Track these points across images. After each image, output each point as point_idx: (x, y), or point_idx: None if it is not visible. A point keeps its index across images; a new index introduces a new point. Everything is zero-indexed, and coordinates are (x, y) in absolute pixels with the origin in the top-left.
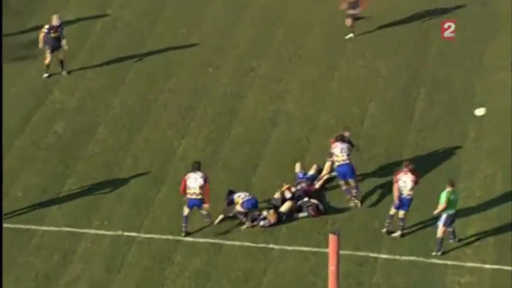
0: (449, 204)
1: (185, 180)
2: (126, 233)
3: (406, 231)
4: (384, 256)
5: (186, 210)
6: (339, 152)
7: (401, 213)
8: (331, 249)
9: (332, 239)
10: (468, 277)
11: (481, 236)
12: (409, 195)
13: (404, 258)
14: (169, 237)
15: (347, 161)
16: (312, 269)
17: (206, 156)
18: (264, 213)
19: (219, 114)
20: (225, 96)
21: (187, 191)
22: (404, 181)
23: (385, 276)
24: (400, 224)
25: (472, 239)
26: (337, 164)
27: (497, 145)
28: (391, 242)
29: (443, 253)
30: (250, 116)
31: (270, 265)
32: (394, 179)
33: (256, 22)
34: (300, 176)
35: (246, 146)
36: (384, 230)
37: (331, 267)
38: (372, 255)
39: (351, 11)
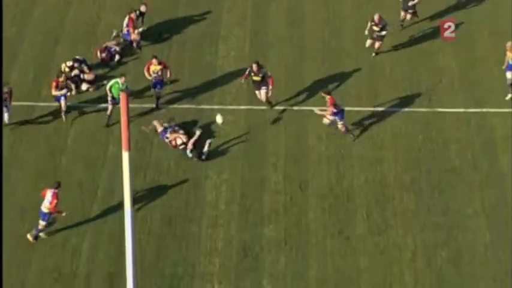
0: None
1: None
2: None
3: None
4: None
5: None
6: None
7: None
8: (122, 103)
9: (122, 95)
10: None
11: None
12: None
13: (180, 106)
14: None
15: None
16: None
17: None
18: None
19: None
20: None
21: None
22: None
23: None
24: None
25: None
26: None
27: None
28: (170, 93)
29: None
30: None
31: (75, 120)
32: None
33: None
34: None
35: None
36: None
37: (123, 118)
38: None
39: None
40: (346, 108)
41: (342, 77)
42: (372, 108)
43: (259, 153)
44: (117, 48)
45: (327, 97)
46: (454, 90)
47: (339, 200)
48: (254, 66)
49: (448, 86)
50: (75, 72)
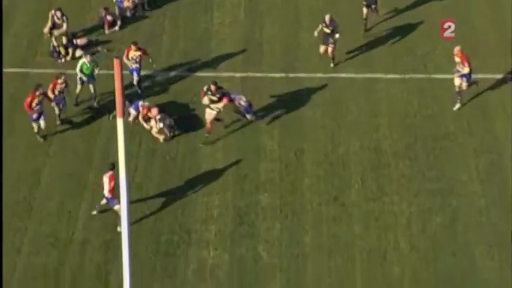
0: None
1: None
2: None
3: None
4: (160, 72)
5: None
6: None
7: None
8: (116, 71)
9: (116, 62)
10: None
11: None
12: None
13: (175, 74)
14: None
15: None
16: (105, 87)
17: None
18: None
19: None
20: None
21: None
22: None
23: (162, 89)
24: None
25: None
26: None
27: None
28: (167, 58)
29: None
30: None
31: (70, 87)
32: None
33: None
34: None
35: None
36: None
37: (117, 85)
38: (151, 73)
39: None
40: (342, 75)
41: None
42: (367, 75)
43: (254, 121)
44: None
45: None
46: (450, 57)
47: (334, 167)
48: (212, 87)
49: (444, 52)
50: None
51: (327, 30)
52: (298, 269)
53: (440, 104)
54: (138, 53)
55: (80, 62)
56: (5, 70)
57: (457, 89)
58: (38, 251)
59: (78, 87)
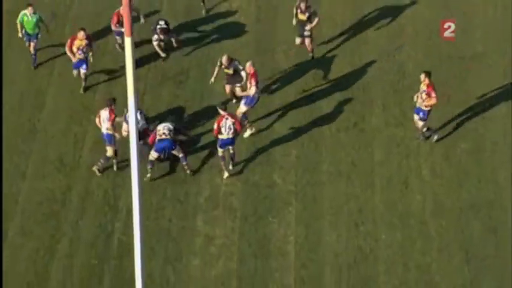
0: None
1: None
2: None
3: None
4: None
5: None
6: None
7: None
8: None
9: None
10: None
11: None
12: None
13: None
14: None
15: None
16: (111, 4)
17: None
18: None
19: None
20: None
21: None
22: None
23: (172, 5)
24: None
25: None
26: None
27: None
28: None
29: None
30: None
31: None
32: None
33: None
34: None
35: None
36: None
37: (125, 2)
38: None
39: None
40: None
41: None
42: None
43: (270, 41)
44: None
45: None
46: None
47: (354, 91)
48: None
49: None
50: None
51: (302, 17)
52: (315, 196)
53: (467, 22)
54: (85, 41)
55: (20, 15)
56: None
57: (420, 129)
58: (43, 175)
59: (31, 45)
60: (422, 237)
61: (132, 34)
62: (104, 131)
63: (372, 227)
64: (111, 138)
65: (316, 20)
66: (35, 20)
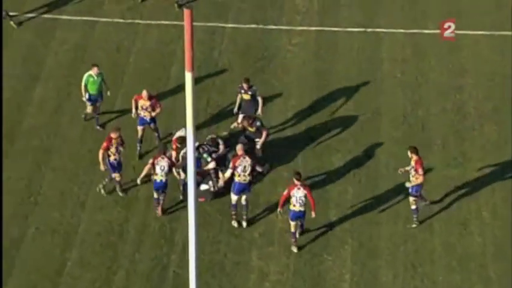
0: None
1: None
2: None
3: None
4: (230, 25)
5: None
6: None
7: None
8: (186, 22)
9: (187, 13)
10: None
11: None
12: None
13: (246, 26)
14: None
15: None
16: (172, 39)
17: None
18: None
19: None
20: None
21: None
22: None
23: (232, 42)
24: None
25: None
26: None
27: None
28: (236, 11)
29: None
30: None
31: (138, 37)
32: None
33: None
34: None
35: None
36: None
37: (187, 37)
38: (220, 24)
39: None
40: (425, 31)
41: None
42: (456, 31)
43: (329, 78)
44: None
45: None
46: None
47: (413, 129)
48: (245, 85)
49: None
50: None
51: (247, 97)
52: (372, 235)
53: None
54: (149, 102)
55: (85, 76)
56: (71, 18)
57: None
58: (101, 206)
59: (88, 107)
60: (481, 281)
61: (192, 70)
62: (112, 159)
63: (429, 268)
64: (120, 167)
65: (264, 135)
66: (100, 79)
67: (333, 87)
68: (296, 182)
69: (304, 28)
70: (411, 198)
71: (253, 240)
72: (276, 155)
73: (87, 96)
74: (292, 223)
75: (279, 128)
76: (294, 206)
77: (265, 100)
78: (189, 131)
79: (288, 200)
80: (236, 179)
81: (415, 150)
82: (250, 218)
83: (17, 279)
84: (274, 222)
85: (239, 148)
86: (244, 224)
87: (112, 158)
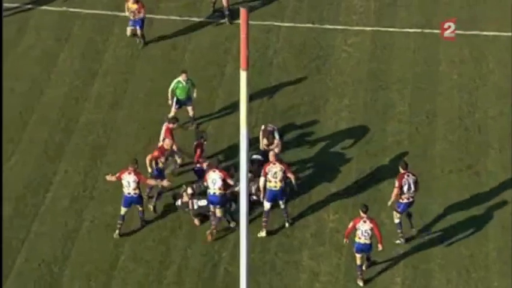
0: None
1: None
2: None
3: None
4: (286, 24)
5: None
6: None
7: None
8: (242, 20)
9: (243, 12)
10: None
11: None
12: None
13: (302, 25)
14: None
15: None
16: (227, 37)
17: None
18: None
19: None
20: None
21: None
22: None
23: (287, 41)
24: None
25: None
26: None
27: None
28: (292, 10)
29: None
30: None
31: (193, 35)
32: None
33: None
34: None
35: None
36: None
37: (243, 35)
38: (276, 23)
39: None
40: (483, 33)
41: None
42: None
43: (385, 78)
44: None
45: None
46: None
47: (469, 133)
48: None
49: None
50: None
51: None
52: (425, 238)
53: None
54: (136, 6)
55: (174, 82)
56: (123, 14)
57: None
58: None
59: (173, 110)
60: None
61: (247, 68)
62: (132, 192)
63: (483, 273)
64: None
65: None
66: (188, 86)
67: (388, 88)
68: (362, 214)
69: (360, 28)
70: (394, 212)
71: (305, 240)
72: (329, 154)
73: (174, 100)
74: (358, 256)
75: (332, 129)
76: (359, 238)
77: (320, 99)
78: (242, 129)
79: (353, 232)
80: (267, 185)
81: (403, 165)
82: (302, 218)
83: (72, 271)
84: (325, 223)
85: (271, 155)
86: (286, 224)
87: (160, 165)
